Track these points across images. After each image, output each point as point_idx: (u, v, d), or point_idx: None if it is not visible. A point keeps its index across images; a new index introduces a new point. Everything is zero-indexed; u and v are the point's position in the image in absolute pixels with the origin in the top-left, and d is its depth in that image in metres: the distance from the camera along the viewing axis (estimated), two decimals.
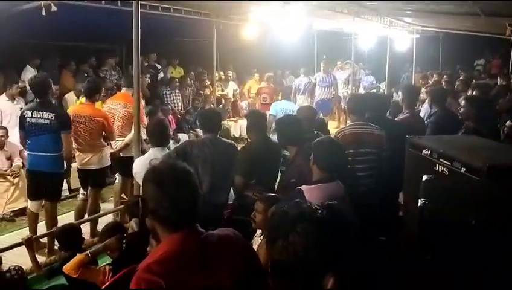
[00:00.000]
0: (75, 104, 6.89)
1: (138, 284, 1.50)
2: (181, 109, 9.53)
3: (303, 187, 3.03)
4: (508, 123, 4.77)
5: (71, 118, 4.88)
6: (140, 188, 3.39)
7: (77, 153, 5.19)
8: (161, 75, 10.19)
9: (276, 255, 1.28)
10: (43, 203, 4.92)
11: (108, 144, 5.36)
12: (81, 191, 5.38)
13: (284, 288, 1.27)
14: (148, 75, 8.27)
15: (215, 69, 9.78)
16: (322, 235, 1.22)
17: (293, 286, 1.24)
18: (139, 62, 4.34)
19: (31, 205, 4.90)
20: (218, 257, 1.63)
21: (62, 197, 5.72)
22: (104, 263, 3.24)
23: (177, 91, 9.44)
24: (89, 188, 5.24)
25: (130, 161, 5.40)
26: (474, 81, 9.08)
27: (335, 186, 3.09)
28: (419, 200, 1.76)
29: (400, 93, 6.42)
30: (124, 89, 5.70)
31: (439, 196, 1.86)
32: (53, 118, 4.55)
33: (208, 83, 10.63)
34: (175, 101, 9.39)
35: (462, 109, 4.73)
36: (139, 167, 3.81)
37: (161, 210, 1.60)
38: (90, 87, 5.20)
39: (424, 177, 2.14)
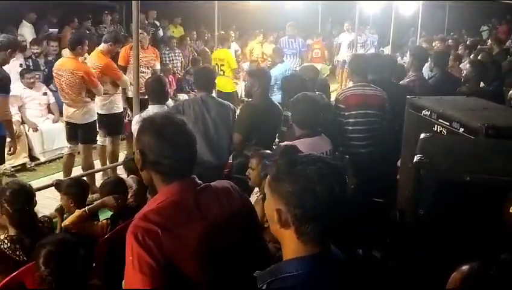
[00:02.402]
0: None
1: (134, 232, 1.52)
2: (181, 69, 9.45)
3: (284, 143, 3.07)
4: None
5: (55, 72, 4.97)
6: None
7: (64, 106, 5.32)
8: (161, 33, 10.05)
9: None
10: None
11: (93, 100, 5.37)
12: (68, 144, 5.46)
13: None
14: (150, 33, 8.16)
15: (217, 29, 9.62)
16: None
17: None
18: (138, 18, 4.30)
19: None
20: (215, 207, 1.65)
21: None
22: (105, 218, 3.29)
23: (177, 51, 9.32)
24: (79, 145, 5.34)
25: (115, 118, 5.53)
26: (479, 46, 8.98)
27: (318, 140, 3.13)
28: (416, 156, 1.76)
29: (406, 56, 6.32)
30: (101, 45, 5.61)
31: (436, 154, 1.86)
32: None
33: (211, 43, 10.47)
34: (174, 61, 9.29)
35: (464, 73, 4.70)
36: (137, 123, 3.78)
37: (162, 160, 1.60)
38: (72, 39, 5.19)
39: (422, 135, 2.14)
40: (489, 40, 9.44)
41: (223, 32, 9.92)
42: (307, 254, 1.26)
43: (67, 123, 5.37)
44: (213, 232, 1.61)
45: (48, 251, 2.13)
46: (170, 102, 6.17)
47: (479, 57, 6.24)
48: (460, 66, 6.84)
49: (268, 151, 3.22)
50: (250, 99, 4.13)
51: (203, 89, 3.93)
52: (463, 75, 4.82)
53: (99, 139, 5.79)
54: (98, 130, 5.67)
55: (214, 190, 1.70)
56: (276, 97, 4.97)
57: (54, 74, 5.24)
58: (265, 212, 1.35)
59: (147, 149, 1.63)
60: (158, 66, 6.33)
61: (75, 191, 3.28)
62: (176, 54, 9.30)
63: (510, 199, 1.65)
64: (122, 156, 5.91)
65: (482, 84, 4.80)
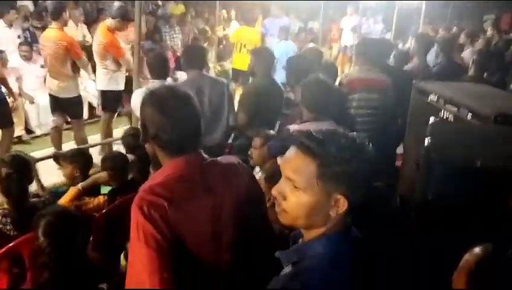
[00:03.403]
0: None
1: (140, 205, 1.48)
2: (181, 48, 9.33)
3: (291, 126, 3.01)
4: None
5: (41, 43, 4.95)
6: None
7: (47, 78, 5.27)
8: (160, 10, 9.92)
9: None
10: None
11: (77, 74, 5.32)
12: (52, 117, 5.42)
13: None
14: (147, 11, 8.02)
15: (218, 8, 9.50)
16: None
17: None
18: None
19: None
20: (221, 182, 1.61)
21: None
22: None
23: (177, 29, 9.20)
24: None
25: (111, 94, 5.46)
26: (481, 36, 8.92)
27: (326, 125, 3.06)
28: (426, 140, 1.73)
29: (408, 42, 6.27)
30: (108, 20, 5.45)
31: (447, 138, 1.83)
32: None
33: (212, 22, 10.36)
34: (174, 40, 9.17)
35: (470, 63, 4.66)
36: (137, 99, 3.74)
37: (163, 134, 1.56)
38: (54, 9, 5.05)
39: (432, 120, 2.11)
40: (489, 30, 9.35)
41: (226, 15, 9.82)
42: (333, 233, 1.27)
43: (50, 95, 5.33)
44: (219, 207, 1.58)
45: (47, 221, 2.10)
46: (169, 80, 6.08)
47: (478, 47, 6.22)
48: (462, 54, 6.80)
49: (273, 132, 3.18)
50: (252, 80, 4.06)
51: (195, 67, 3.82)
52: (469, 63, 4.78)
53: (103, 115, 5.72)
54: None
55: (220, 165, 1.67)
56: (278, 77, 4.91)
57: (40, 46, 5.18)
58: (294, 203, 1.28)
59: (149, 122, 1.59)
60: (149, 44, 6.20)
61: (80, 160, 3.25)
62: (176, 32, 9.17)
63: None
64: (120, 132, 5.87)
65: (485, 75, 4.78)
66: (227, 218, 1.60)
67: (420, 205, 1.83)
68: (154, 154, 1.67)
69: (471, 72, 4.77)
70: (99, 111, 5.73)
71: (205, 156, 1.64)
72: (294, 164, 1.27)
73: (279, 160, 2.73)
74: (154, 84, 3.69)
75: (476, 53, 4.84)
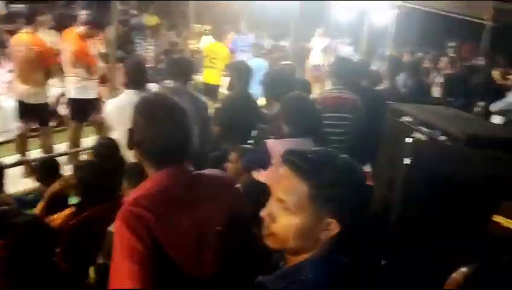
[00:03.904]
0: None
1: (125, 218, 1.44)
2: (154, 59, 9.27)
3: (268, 141, 3.00)
4: (480, 104, 4.93)
5: (12, 47, 4.83)
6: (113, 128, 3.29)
7: (16, 83, 5.14)
8: (134, 20, 9.84)
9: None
10: None
11: (48, 80, 5.22)
12: (17, 124, 5.30)
13: None
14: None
15: (191, 22, 9.51)
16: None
17: None
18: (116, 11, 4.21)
19: None
20: (207, 195, 1.60)
21: None
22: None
23: (151, 41, 9.15)
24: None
25: (84, 103, 5.36)
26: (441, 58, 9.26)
27: (302, 142, 3.08)
28: (406, 159, 1.78)
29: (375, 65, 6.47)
30: (79, 27, 5.40)
31: (425, 157, 1.89)
32: None
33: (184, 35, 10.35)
34: (147, 51, 9.11)
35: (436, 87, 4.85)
36: (111, 108, 3.68)
37: (146, 143, 1.54)
38: (29, 13, 5.05)
39: (409, 140, 2.17)
40: (446, 57, 9.73)
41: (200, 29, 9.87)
42: (322, 256, 1.24)
43: (18, 101, 5.19)
44: (204, 220, 1.57)
45: (17, 231, 2.02)
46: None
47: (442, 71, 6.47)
48: (429, 78, 7.06)
49: (249, 146, 3.18)
50: (229, 93, 4.08)
51: (178, 78, 3.81)
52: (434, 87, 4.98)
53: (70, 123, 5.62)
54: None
55: (206, 178, 1.66)
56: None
57: (11, 50, 5.02)
58: (284, 226, 1.23)
59: (135, 128, 1.57)
60: (103, 49, 6.12)
61: (43, 170, 3.16)
62: (150, 43, 9.12)
63: (495, 208, 1.69)
64: (88, 142, 5.75)
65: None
66: (211, 231, 1.59)
67: (399, 223, 1.87)
68: (140, 163, 1.64)
69: (435, 94, 4.96)
70: (68, 119, 5.59)
71: (191, 168, 1.63)
72: (286, 185, 1.23)
73: (254, 173, 2.73)
74: (129, 93, 3.63)
75: (443, 77, 5.04)
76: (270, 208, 1.26)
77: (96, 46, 5.81)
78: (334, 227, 1.20)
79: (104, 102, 6.64)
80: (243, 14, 11.84)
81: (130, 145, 1.60)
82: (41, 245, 2.06)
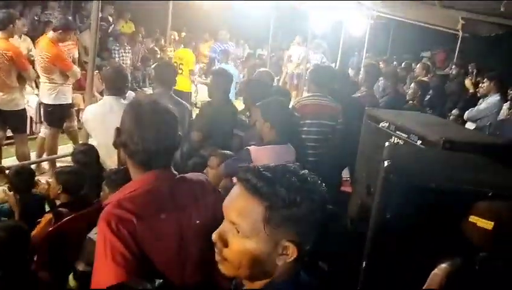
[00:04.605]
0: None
1: (107, 219, 1.44)
2: (130, 66, 9.23)
3: (251, 147, 3.02)
4: (454, 111, 5.06)
5: None
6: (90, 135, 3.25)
7: None
8: (110, 27, 9.79)
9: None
10: None
11: (23, 86, 5.11)
12: None
13: None
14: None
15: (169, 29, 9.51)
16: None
17: None
18: (98, 17, 4.17)
19: None
20: (190, 199, 1.61)
21: None
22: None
23: (127, 48, 9.11)
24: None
25: (59, 109, 5.29)
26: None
27: (285, 149, 3.11)
28: (385, 162, 1.83)
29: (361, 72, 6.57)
30: (50, 33, 5.33)
31: (403, 160, 1.94)
32: None
33: (163, 43, 10.34)
34: (123, 58, 9.07)
35: (410, 91, 4.96)
36: (90, 114, 3.64)
37: (132, 144, 1.54)
38: (2, 18, 4.84)
39: (387, 143, 2.22)
40: (417, 66, 10.02)
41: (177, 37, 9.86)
42: (280, 281, 1.13)
43: None
44: (186, 224, 1.57)
45: None
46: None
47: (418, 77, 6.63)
48: (404, 87, 7.22)
49: (229, 152, 3.20)
50: (210, 99, 4.09)
51: (162, 85, 3.81)
52: (408, 93, 5.10)
53: (42, 130, 5.52)
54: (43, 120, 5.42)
55: (189, 181, 1.67)
56: None
57: None
58: (240, 252, 1.11)
59: (123, 128, 1.57)
60: (77, 54, 6.07)
61: (16, 179, 3.10)
62: (126, 51, 9.08)
63: (471, 208, 1.75)
64: (63, 150, 5.67)
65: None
66: (193, 235, 1.59)
67: (378, 226, 1.91)
68: (126, 164, 1.64)
69: (410, 102, 5.08)
70: (37, 127, 5.49)
71: (175, 172, 1.64)
72: (239, 206, 1.11)
73: (234, 179, 2.75)
74: (110, 99, 3.60)
75: (416, 84, 5.15)
76: (222, 231, 1.14)
77: (71, 51, 5.75)
78: (291, 252, 1.09)
79: (78, 109, 6.62)
80: (221, 22, 11.89)
81: (116, 144, 1.60)
82: (22, 251, 2.02)
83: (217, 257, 1.15)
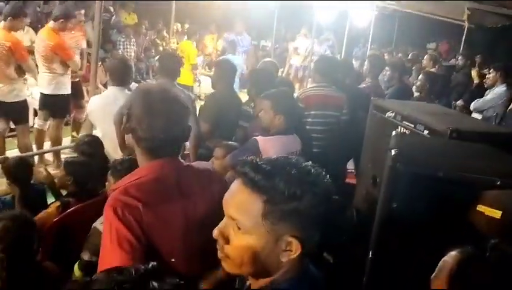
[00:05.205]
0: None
1: (114, 206, 1.44)
2: (134, 58, 9.23)
3: (259, 138, 3.02)
4: (459, 102, 5.03)
5: None
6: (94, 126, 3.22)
7: None
8: (114, 18, 9.77)
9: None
10: None
11: (22, 77, 5.08)
12: None
13: None
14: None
15: (173, 20, 9.49)
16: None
17: None
18: (101, 15, 4.18)
19: None
20: (196, 187, 1.61)
21: None
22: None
23: (132, 40, 9.10)
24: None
25: (62, 99, 5.29)
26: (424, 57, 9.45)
27: (292, 139, 3.12)
28: (392, 151, 1.81)
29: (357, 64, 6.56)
30: (51, 22, 5.28)
31: (410, 149, 1.93)
32: None
33: (165, 34, 10.33)
34: (128, 50, 9.06)
35: (418, 83, 4.93)
36: (95, 105, 3.64)
37: (140, 131, 1.53)
38: (9, 10, 4.83)
39: (394, 132, 2.20)
40: (432, 53, 9.97)
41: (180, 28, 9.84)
42: (286, 279, 1.09)
43: None
44: (192, 211, 1.57)
45: (2, 225, 1.99)
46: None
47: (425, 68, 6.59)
48: (409, 79, 7.19)
49: (235, 143, 3.19)
50: (215, 91, 4.07)
51: (166, 76, 3.79)
52: (416, 85, 5.07)
53: (38, 122, 5.48)
54: (38, 111, 5.41)
55: (195, 170, 1.66)
56: None
57: None
58: (242, 247, 1.08)
59: (132, 113, 1.55)
60: (84, 45, 6.03)
61: (18, 171, 3.11)
62: (131, 43, 9.07)
63: (478, 197, 1.73)
64: (65, 141, 5.68)
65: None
66: (199, 223, 1.58)
67: (384, 216, 1.89)
68: (133, 151, 1.64)
69: (416, 94, 5.05)
70: (35, 119, 5.48)
71: (181, 160, 1.63)
72: (238, 201, 1.08)
73: None
74: (114, 90, 3.59)
75: (424, 75, 5.12)
76: (223, 227, 1.11)
77: (80, 42, 5.74)
78: (295, 247, 1.05)
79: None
80: (223, 12, 11.84)
81: (124, 129, 1.59)
82: (28, 242, 2.02)
83: (220, 254, 1.12)
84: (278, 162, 1.08)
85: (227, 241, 1.09)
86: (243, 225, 1.06)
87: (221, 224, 1.11)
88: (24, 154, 4.77)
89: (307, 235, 1.06)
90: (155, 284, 0.78)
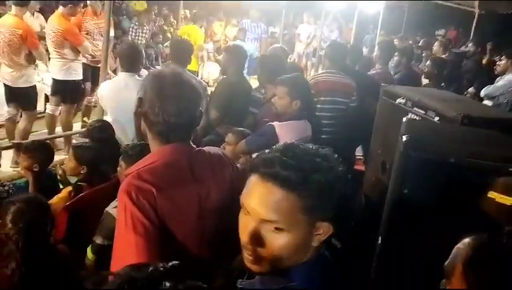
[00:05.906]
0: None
1: (128, 190, 1.45)
2: (144, 45, 9.23)
3: (275, 123, 3.05)
4: (470, 90, 4.98)
5: None
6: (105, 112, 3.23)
7: (1, 66, 5.04)
8: (124, 6, 9.77)
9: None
10: None
11: (32, 64, 5.12)
12: (6, 108, 5.22)
13: None
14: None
15: (181, 7, 9.47)
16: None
17: None
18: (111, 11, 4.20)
19: None
20: (208, 171, 1.62)
21: None
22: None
23: (145, 27, 9.09)
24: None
25: (72, 84, 5.31)
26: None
27: (304, 124, 3.15)
28: (403, 137, 1.81)
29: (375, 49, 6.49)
30: (60, 8, 5.33)
31: (422, 135, 1.93)
32: None
33: (173, 20, 10.30)
34: (139, 37, 9.06)
35: (425, 69, 4.90)
36: (106, 90, 3.65)
37: (151, 115, 1.54)
38: None
39: (404, 119, 2.20)
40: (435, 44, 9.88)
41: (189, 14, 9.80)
42: (312, 258, 1.13)
43: (4, 85, 5.12)
44: (205, 196, 1.59)
45: (17, 208, 2.02)
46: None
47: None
48: (419, 66, 7.12)
49: (246, 130, 3.20)
50: (225, 76, 4.07)
51: (178, 62, 3.79)
52: (425, 71, 5.03)
53: (50, 107, 5.53)
54: (50, 96, 5.45)
55: (207, 155, 1.67)
56: None
57: None
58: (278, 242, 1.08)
59: (145, 99, 1.56)
60: (112, 33, 6.04)
61: (41, 154, 3.14)
62: (144, 30, 9.06)
63: (489, 183, 1.73)
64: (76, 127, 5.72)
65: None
66: (212, 207, 1.60)
67: (394, 201, 1.90)
68: (144, 135, 1.65)
69: (426, 81, 5.01)
70: (47, 105, 5.51)
71: (193, 145, 1.64)
72: (273, 202, 1.06)
73: (255, 155, 2.77)
74: (125, 76, 3.60)
75: (433, 61, 5.08)
76: (254, 232, 1.08)
77: (102, 29, 5.74)
78: (326, 230, 1.09)
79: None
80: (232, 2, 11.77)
81: (137, 113, 1.60)
82: (42, 224, 2.05)
83: (249, 258, 1.10)
84: (299, 153, 1.09)
85: (261, 244, 1.08)
86: (283, 224, 1.06)
87: (250, 229, 1.09)
88: (38, 139, 4.82)
89: (336, 215, 1.09)
90: (168, 284, 0.78)
